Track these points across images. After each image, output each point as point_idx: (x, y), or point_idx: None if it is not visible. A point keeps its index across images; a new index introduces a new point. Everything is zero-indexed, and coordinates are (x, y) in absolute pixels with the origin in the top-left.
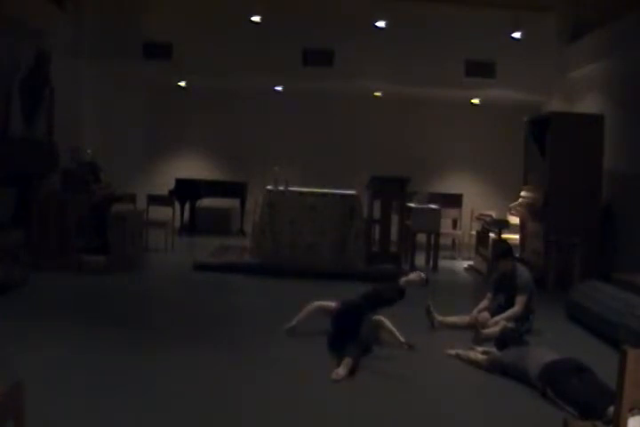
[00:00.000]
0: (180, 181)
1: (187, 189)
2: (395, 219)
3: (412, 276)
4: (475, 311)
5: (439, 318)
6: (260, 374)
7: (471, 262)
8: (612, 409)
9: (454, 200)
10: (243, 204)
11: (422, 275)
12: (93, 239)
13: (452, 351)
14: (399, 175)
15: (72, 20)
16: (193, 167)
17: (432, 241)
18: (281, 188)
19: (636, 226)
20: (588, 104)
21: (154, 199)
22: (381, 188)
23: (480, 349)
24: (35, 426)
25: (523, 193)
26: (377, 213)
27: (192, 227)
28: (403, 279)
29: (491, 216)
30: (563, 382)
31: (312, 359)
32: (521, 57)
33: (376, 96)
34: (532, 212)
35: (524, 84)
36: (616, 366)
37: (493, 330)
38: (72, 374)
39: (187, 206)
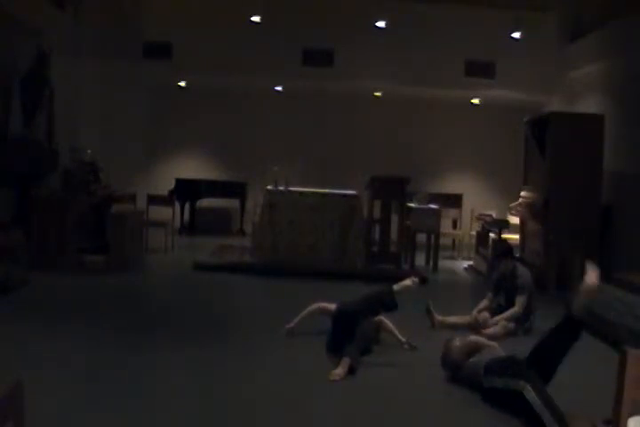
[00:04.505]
0: (180, 181)
1: (187, 189)
2: (395, 219)
3: (406, 281)
4: (475, 311)
5: (439, 318)
6: (260, 374)
7: (471, 262)
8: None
9: (454, 200)
10: (243, 204)
11: (415, 280)
12: (93, 239)
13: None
14: (399, 175)
15: (72, 20)
16: (193, 167)
17: (432, 241)
18: (281, 188)
19: (636, 226)
20: (589, 104)
21: (154, 199)
22: (381, 188)
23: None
24: (35, 426)
25: (523, 193)
26: (377, 213)
27: (192, 227)
28: (396, 285)
29: (491, 216)
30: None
31: (312, 359)
32: (521, 57)
33: (376, 96)
34: (532, 212)
35: (524, 84)
36: (616, 366)
37: (493, 330)
38: (72, 374)
39: (187, 206)
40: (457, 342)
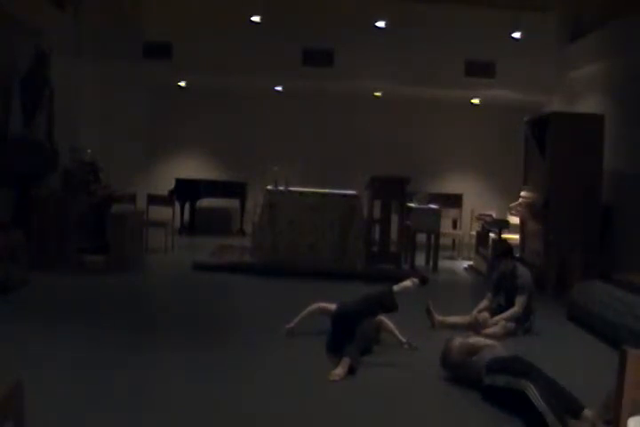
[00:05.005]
0: (180, 181)
1: (187, 189)
2: (395, 219)
3: (405, 282)
4: (475, 311)
5: (439, 318)
6: (260, 374)
7: (471, 262)
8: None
9: (454, 200)
10: (243, 204)
11: (415, 280)
12: (93, 239)
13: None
14: (399, 175)
15: (72, 20)
16: (193, 167)
17: (432, 241)
18: (281, 188)
19: (636, 226)
20: (589, 104)
21: (154, 199)
22: (381, 188)
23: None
24: (35, 426)
25: (523, 193)
26: (377, 213)
27: (192, 227)
28: (396, 286)
29: (491, 216)
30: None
31: (312, 359)
32: (521, 57)
33: (376, 96)
34: (532, 212)
35: (524, 84)
36: (616, 366)
37: (493, 330)
38: (72, 374)
39: (187, 206)
40: (456, 341)
